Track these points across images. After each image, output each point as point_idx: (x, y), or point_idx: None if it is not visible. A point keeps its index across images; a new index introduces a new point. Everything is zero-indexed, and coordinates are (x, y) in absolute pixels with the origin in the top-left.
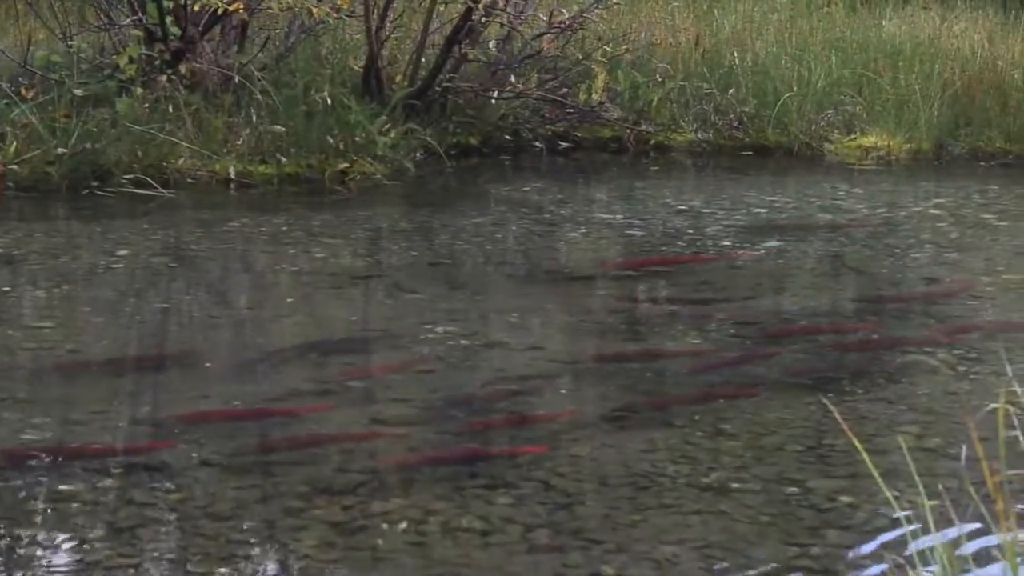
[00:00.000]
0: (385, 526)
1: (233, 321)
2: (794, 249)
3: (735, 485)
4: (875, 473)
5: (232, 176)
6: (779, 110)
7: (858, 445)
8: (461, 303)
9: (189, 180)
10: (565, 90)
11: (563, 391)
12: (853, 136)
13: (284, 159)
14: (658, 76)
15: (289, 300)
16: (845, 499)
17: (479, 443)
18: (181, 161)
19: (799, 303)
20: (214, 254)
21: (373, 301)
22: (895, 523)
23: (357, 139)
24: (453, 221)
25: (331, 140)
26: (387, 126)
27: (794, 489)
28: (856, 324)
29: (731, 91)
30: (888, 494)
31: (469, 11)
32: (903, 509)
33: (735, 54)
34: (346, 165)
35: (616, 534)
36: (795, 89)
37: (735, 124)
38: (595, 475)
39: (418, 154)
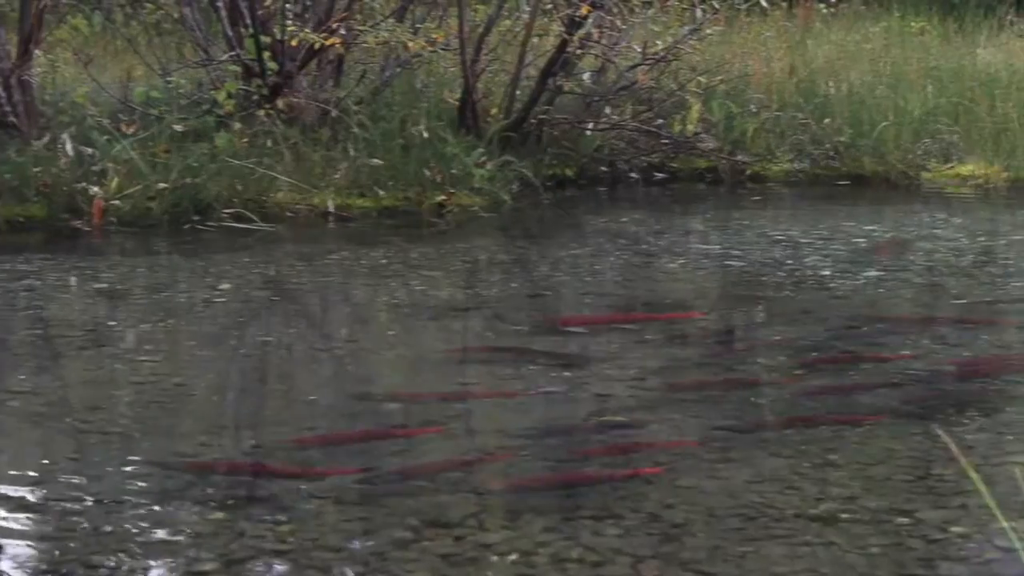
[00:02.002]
0: (495, 558)
1: (335, 353)
2: (892, 278)
3: (844, 516)
4: (991, 502)
5: (331, 209)
6: (875, 139)
7: (972, 474)
8: (561, 334)
9: (288, 214)
10: (660, 121)
11: (665, 421)
12: (951, 165)
13: (382, 192)
14: (753, 106)
15: (390, 332)
16: (956, 529)
17: (587, 469)
18: (280, 195)
19: (899, 331)
20: (315, 287)
21: (473, 333)
22: (1009, 554)
23: (454, 171)
24: (551, 252)
25: (428, 173)
26: (483, 158)
27: (904, 520)
28: (958, 352)
29: (826, 120)
30: (1005, 524)
31: (564, 43)
32: (1019, 539)
33: (830, 83)
34: (443, 197)
35: (726, 565)
36: (891, 118)
37: (831, 154)
38: (703, 505)
39: (514, 186)
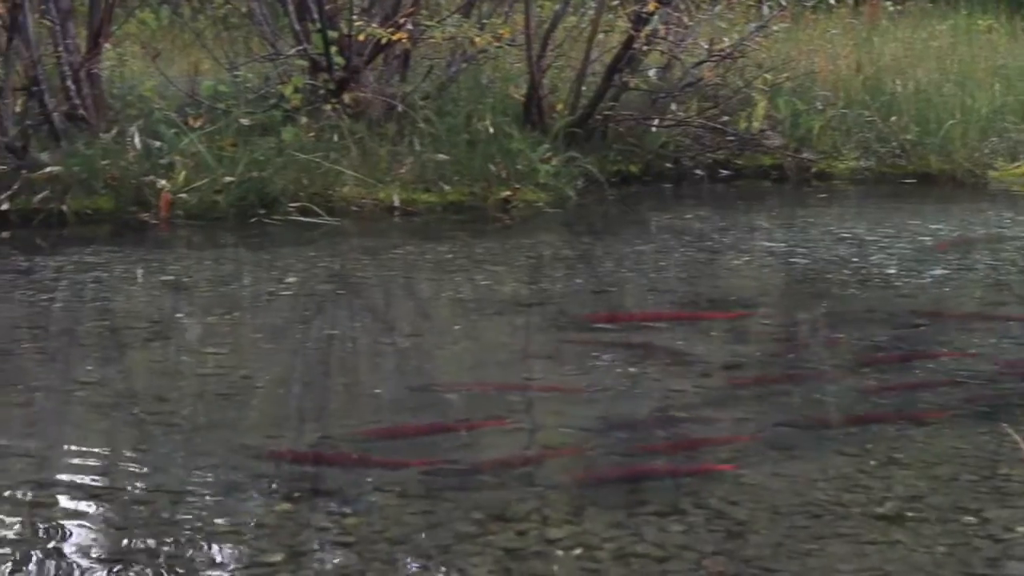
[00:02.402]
0: (560, 552)
1: (399, 347)
2: (958, 277)
3: (910, 514)
4: None
5: (396, 204)
6: (942, 137)
7: None
8: (626, 330)
9: (354, 208)
10: (726, 118)
11: (728, 417)
12: (1018, 163)
13: (447, 187)
14: (819, 103)
15: (454, 327)
16: (1023, 529)
17: (654, 464)
18: (346, 189)
19: (965, 329)
20: (379, 281)
21: (538, 328)
22: None
23: (519, 167)
24: (615, 248)
25: (493, 168)
26: (549, 154)
27: (971, 519)
28: None
29: (893, 118)
30: None
31: (631, 40)
32: None
33: (897, 81)
34: (508, 193)
35: (792, 563)
36: (958, 116)
37: (897, 151)
38: (767, 502)
39: (579, 182)
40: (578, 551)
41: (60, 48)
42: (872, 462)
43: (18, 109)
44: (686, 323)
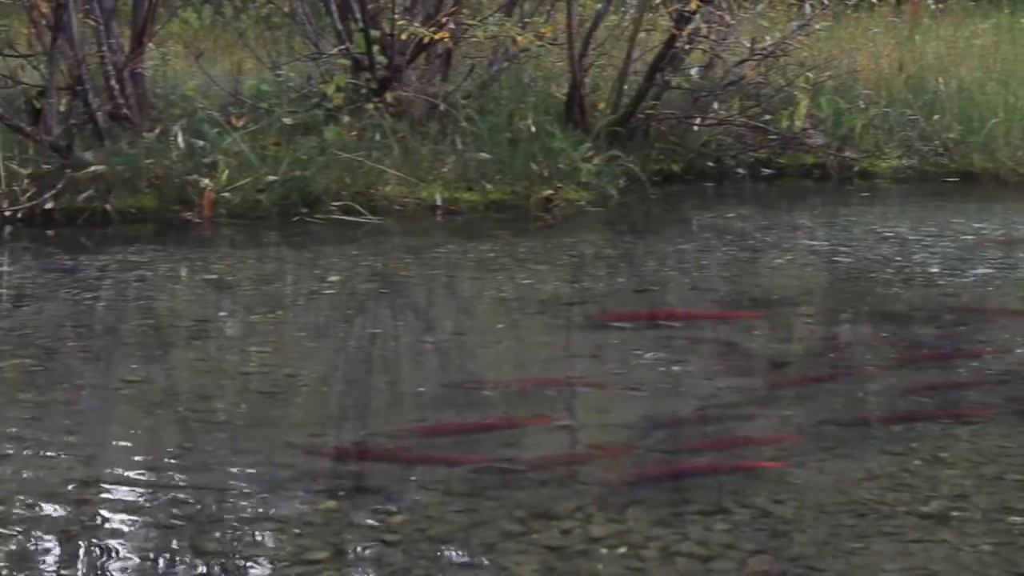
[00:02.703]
0: (604, 551)
1: (442, 346)
2: (1002, 276)
3: (955, 514)
4: None
5: (438, 203)
6: (985, 136)
7: None
8: (669, 329)
9: (396, 207)
10: (768, 117)
11: (770, 416)
12: None
13: (489, 186)
14: (861, 102)
15: (498, 326)
16: None
17: (703, 462)
18: (388, 188)
19: (1009, 328)
20: (422, 280)
21: (581, 327)
22: None
23: (561, 166)
24: (657, 247)
25: (535, 167)
26: (590, 153)
27: (1017, 519)
28: None
29: (935, 117)
30: None
31: (673, 38)
32: None
33: (939, 80)
34: (550, 192)
35: (837, 561)
36: (1001, 115)
37: (940, 150)
38: (812, 501)
39: (621, 181)
40: (622, 550)
41: (104, 48)
42: (917, 461)
43: (62, 108)
44: (705, 322)
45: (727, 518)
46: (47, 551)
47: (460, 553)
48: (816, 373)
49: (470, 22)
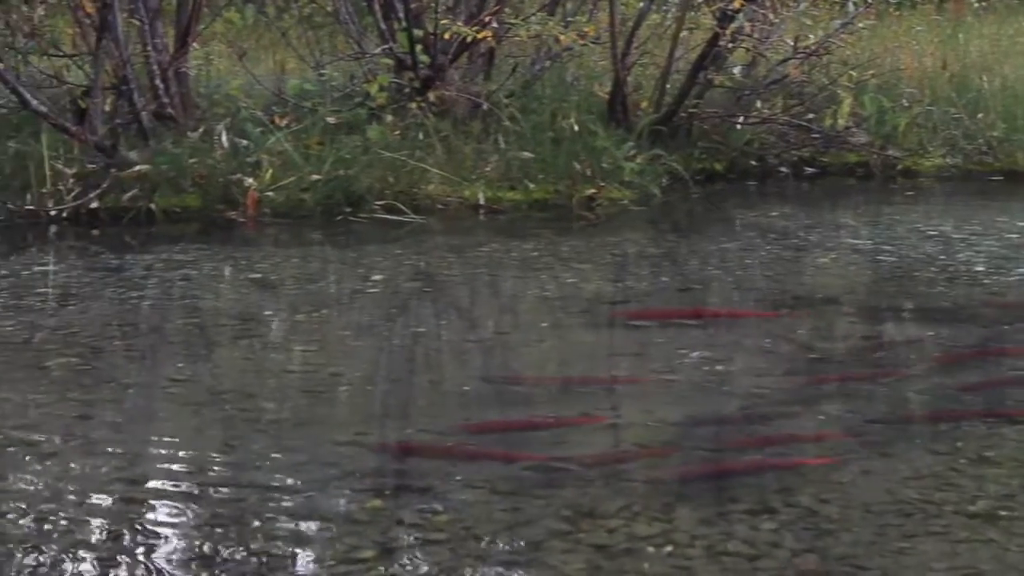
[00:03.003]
0: (651, 550)
1: (486, 345)
2: None
3: (1003, 513)
4: None
5: (481, 202)
6: None
7: None
8: (713, 328)
9: (439, 206)
10: (811, 115)
11: (817, 414)
12: None
13: (532, 185)
14: (904, 101)
15: (542, 324)
16: None
17: (753, 459)
18: (431, 187)
19: None
20: (465, 279)
21: (624, 326)
22: None
23: (604, 165)
24: (700, 246)
25: (578, 166)
26: (633, 152)
27: None
28: None
29: (979, 115)
30: None
31: (716, 37)
32: None
33: (983, 78)
34: (593, 191)
35: (884, 560)
36: None
37: (984, 149)
38: (858, 500)
39: (664, 179)
40: (668, 549)
41: (149, 47)
42: (963, 460)
43: (107, 108)
44: (725, 321)
45: (773, 517)
46: (94, 548)
47: (506, 551)
48: (860, 371)
49: (513, 21)
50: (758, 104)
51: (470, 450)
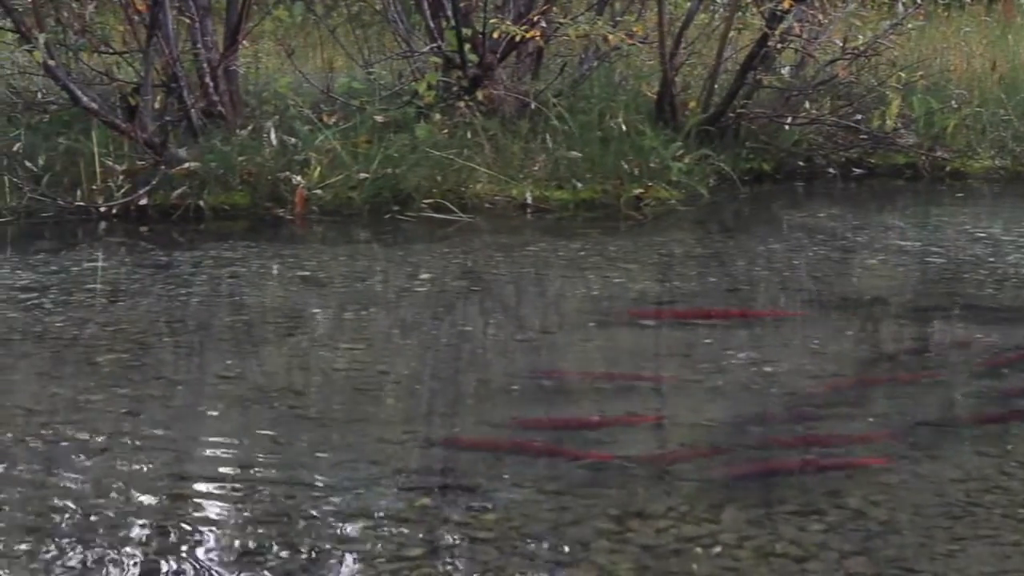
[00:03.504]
0: (699, 550)
1: (534, 344)
2: None
3: None
4: None
5: (529, 201)
6: None
7: None
8: (760, 329)
9: (487, 205)
10: (859, 116)
11: (867, 417)
12: None
13: (579, 184)
14: (953, 102)
15: (589, 324)
16: None
17: (800, 460)
18: (479, 186)
19: None
20: (513, 278)
21: (669, 326)
22: None
23: (652, 165)
24: (748, 247)
25: (625, 166)
26: (681, 152)
27: None
28: None
29: None
30: None
31: (765, 37)
32: None
33: None
34: (641, 190)
35: (934, 564)
36: None
37: None
38: (908, 502)
39: (712, 180)
40: (717, 549)
41: (199, 45)
42: (1013, 463)
43: (157, 106)
44: (735, 321)
45: (822, 518)
46: (140, 544)
47: (554, 551)
48: (909, 373)
49: (561, 20)
50: (806, 104)
51: (532, 445)
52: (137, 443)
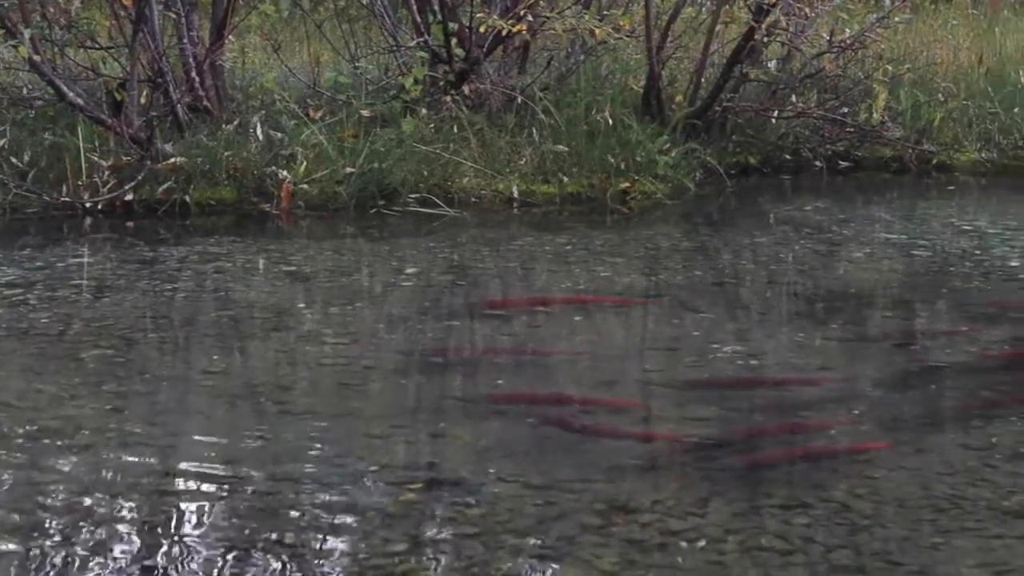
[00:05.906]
0: (684, 544)
1: (518, 339)
2: None
3: None
4: None
5: (515, 195)
6: None
7: None
8: (746, 323)
9: (473, 199)
10: (845, 109)
11: (854, 411)
12: None
13: (566, 178)
14: (940, 95)
15: (576, 318)
16: None
17: (803, 448)
18: (465, 180)
19: None
20: (499, 272)
21: (657, 320)
22: None
23: (638, 159)
24: (734, 240)
25: (612, 160)
26: (667, 145)
27: None
28: None
29: (1015, 110)
30: None
31: (751, 31)
32: None
33: (1019, 72)
34: (627, 184)
35: (918, 557)
36: None
37: (1020, 143)
38: (893, 497)
39: (698, 173)
40: (701, 543)
41: (184, 40)
42: (998, 456)
43: (143, 101)
44: (576, 307)
45: (807, 512)
46: (126, 541)
47: (538, 545)
48: (894, 368)
49: (548, 15)
50: (793, 98)
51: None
52: (122, 439)
